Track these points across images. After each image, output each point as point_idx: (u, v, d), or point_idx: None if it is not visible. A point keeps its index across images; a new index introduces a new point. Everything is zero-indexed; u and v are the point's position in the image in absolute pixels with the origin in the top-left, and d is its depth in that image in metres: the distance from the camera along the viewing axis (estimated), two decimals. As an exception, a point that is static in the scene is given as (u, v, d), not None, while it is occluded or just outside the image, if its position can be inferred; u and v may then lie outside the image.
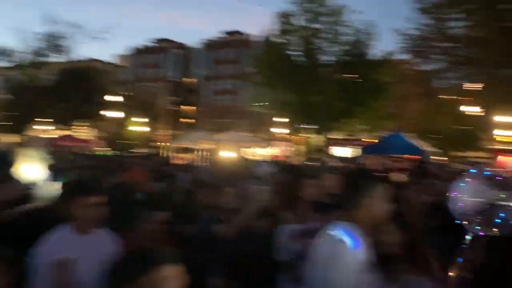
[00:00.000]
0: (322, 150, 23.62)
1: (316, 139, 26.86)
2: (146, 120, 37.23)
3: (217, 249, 3.06)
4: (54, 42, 31.64)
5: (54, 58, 32.71)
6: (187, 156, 19.88)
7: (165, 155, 20.97)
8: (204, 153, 20.91)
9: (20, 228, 3.33)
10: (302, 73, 22.78)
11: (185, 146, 23.53)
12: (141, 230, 2.91)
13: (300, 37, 23.89)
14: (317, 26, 23.66)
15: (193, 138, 22.21)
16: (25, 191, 3.62)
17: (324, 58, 24.30)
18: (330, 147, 26.18)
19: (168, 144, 34.30)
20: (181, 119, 53.19)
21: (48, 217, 3.39)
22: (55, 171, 4.57)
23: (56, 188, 3.78)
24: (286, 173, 4.47)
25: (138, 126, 36.51)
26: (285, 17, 23.78)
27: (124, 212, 2.92)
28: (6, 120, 32.55)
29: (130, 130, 36.54)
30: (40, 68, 32.37)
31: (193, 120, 52.79)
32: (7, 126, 32.29)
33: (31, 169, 3.90)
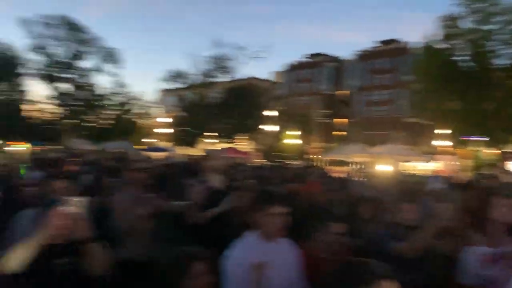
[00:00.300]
0: (495, 165, 20.90)
1: (486, 152, 23.95)
2: (299, 133, 38.28)
3: (396, 267, 2.91)
4: (221, 64, 35.32)
5: (220, 78, 36.48)
6: (341, 169, 19.67)
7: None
8: (359, 166, 20.40)
9: (211, 231, 3.72)
10: (470, 79, 20.66)
11: (338, 158, 23.34)
12: (318, 241, 2.95)
13: (467, 40, 21.78)
14: (488, 27, 21.28)
15: (347, 151, 21.90)
16: (210, 196, 4.01)
17: (497, 61, 21.66)
18: (505, 161, 22.99)
19: (319, 156, 34.59)
20: (334, 132, 53.14)
21: (233, 222, 3.72)
22: (230, 181, 4.97)
23: (235, 196, 4.11)
24: (468, 191, 4.06)
25: (292, 139, 37.74)
26: (450, 20, 21.99)
27: (302, 222, 3.00)
28: (180, 135, 37.05)
29: (285, 143, 37.98)
30: (208, 87, 36.34)
31: (344, 133, 52.30)
32: (181, 139, 36.81)
33: (213, 178, 4.31)
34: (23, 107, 36.79)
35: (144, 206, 4.13)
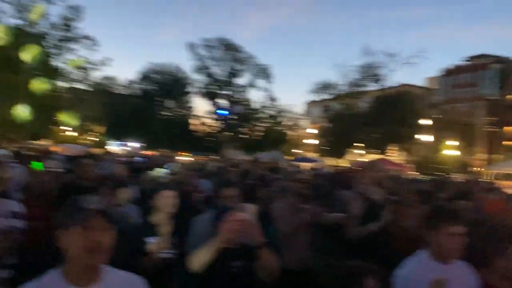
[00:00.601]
0: None
1: None
2: (459, 143, 34.80)
3: None
4: (370, 72, 34.45)
5: (369, 87, 35.58)
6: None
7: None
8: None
9: (369, 245, 3.60)
10: None
11: (508, 172, 20.73)
12: (499, 267, 2.59)
13: None
14: None
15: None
16: (369, 210, 3.87)
17: None
18: None
19: (484, 169, 30.86)
20: (502, 142, 46.86)
21: (396, 239, 3.53)
22: (389, 194, 4.73)
23: (395, 211, 3.90)
24: None
25: (450, 149, 34.50)
26: None
27: (478, 244, 2.68)
28: (326, 145, 37.13)
29: (442, 154, 34.94)
30: (357, 97, 35.72)
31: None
32: (327, 150, 36.84)
33: (371, 190, 4.15)
34: (189, 121, 41.46)
35: (301, 216, 4.21)
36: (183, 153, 32.31)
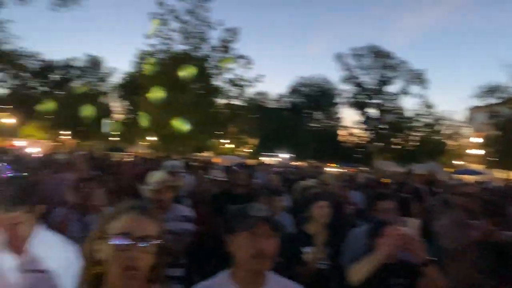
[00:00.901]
0: None
1: None
2: None
3: None
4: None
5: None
6: None
7: None
8: None
9: None
10: None
11: None
12: None
13: None
14: None
15: None
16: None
17: None
18: None
19: None
20: None
21: None
22: None
23: None
24: None
25: None
26: None
27: None
28: (494, 156, 32.90)
29: None
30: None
31: None
32: (495, 162, 32.55)
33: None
34: (338, 132, 41.33)
35: (469, 233, 3.80)
36: (331, 164, 32.25)
